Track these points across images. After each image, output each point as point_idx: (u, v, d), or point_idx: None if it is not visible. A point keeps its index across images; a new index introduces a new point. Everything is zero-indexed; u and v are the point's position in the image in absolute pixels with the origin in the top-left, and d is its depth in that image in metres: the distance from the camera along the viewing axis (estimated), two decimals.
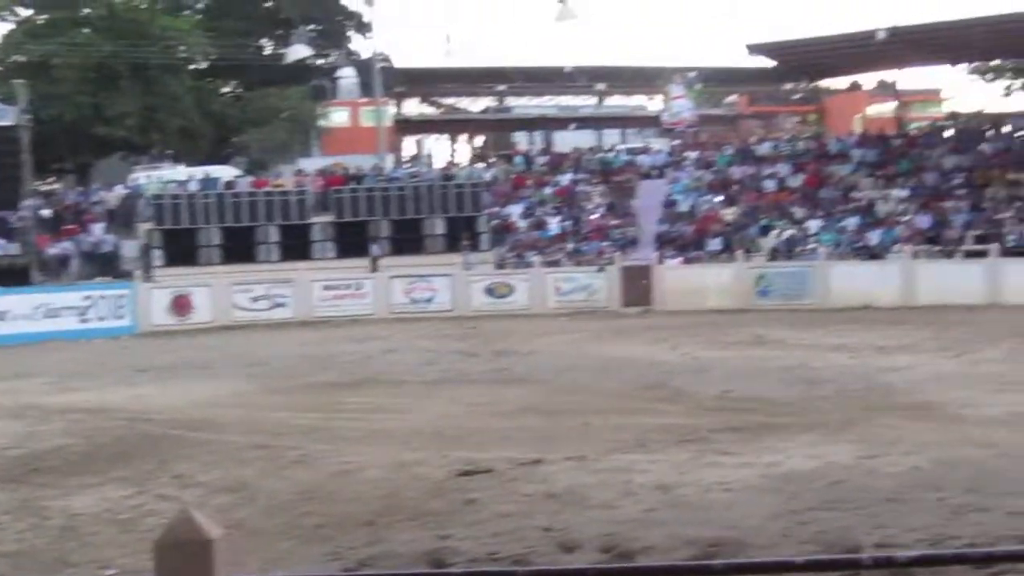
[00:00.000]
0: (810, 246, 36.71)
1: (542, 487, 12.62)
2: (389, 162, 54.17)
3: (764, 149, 45.32)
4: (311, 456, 14.74)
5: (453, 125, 76.15)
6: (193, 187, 41.73)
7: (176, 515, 4.41)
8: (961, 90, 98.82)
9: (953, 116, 57.83)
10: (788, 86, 72.39)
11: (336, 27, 67.11)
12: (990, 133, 42.68)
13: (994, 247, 33.44)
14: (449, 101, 78.48)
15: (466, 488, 12.68)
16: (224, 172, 47.30)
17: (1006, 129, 43.09)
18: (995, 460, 13.02)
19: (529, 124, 72.42)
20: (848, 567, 4.79)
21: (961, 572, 8.24)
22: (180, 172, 47.06)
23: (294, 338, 30.85)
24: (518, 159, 48.70)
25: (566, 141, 60.08)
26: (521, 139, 70.23)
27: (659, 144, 52.05)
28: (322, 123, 62.38)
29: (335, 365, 24.65)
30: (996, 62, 54.13)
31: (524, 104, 75.48)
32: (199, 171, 45.49)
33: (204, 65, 60.29)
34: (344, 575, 9.84)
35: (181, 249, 38.59)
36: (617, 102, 76.36)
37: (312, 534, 11.20)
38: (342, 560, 10.32)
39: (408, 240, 39.49)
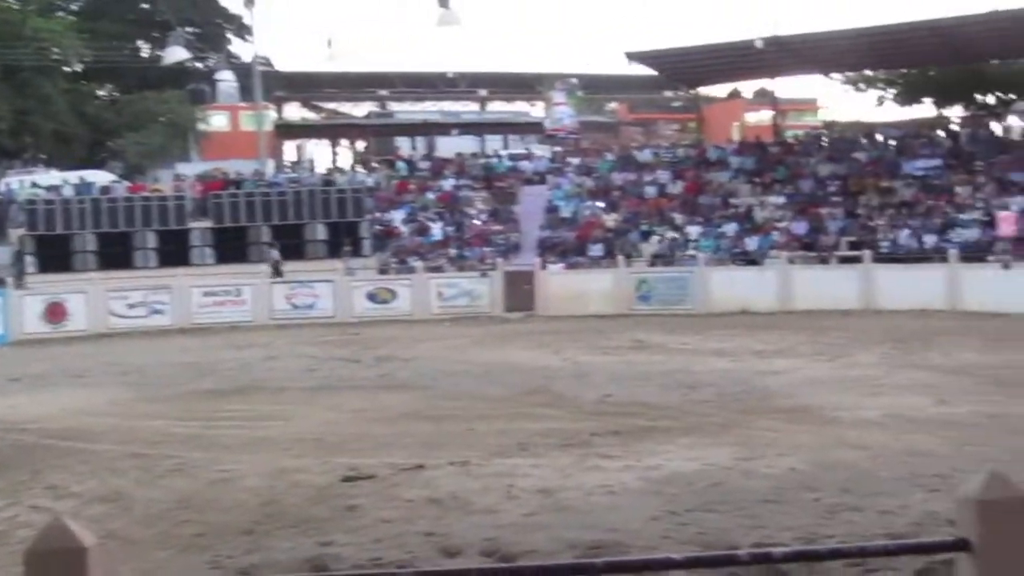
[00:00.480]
0: (690, 252, 37.17)
1: (424, 492, 12.56)
2: (270, 167, 53.64)
3: (645, 156, 45.83)
4: (189, 464, 14.48)
5: (335, 130, 75.72)
6: (68, 192, 40.95)
7: (48, 523, 4.29)
8: (836, 100, 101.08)
9: (829, 125, 59.09)
10: (668, 94, 73.37)
11: (215, 30, 66.35)
12: (864, 142, 43.64)
13: (867, 253, 34.14)
14: (331, 106, 78.08)
15: (348, 494, 12.57)
16: (100, 177, 46.48)
17: (879, 138, 44.10)
18: (868, 461, 13.28)
19: (411, 129, 72.31)
20: (727, 564, 4.86)
21: (836, 568, 8.44)
22: (54, 177, 46.14)
23: (173, 345, 30.36)
24: (400, 164, 48.60)
25: (449, 147, 60.17)
26: (403, 144, 70.06)
27: (541, 150, 52.45)
28: (201, 127, 61.56)
29: (214, 372, 24.31)
30: (868, 73, 55.41)
31: (406, 109, 75.36)
32: (74, 176, 44.66)
33: (79, 67, 59.09)
34: None
35: (55, 255, 37.81)
36: (499, 108, 76.62)
37: (190, 543, 11.00)
38: (221, 569, 10.16)
39: (289, 246, 39.13)
